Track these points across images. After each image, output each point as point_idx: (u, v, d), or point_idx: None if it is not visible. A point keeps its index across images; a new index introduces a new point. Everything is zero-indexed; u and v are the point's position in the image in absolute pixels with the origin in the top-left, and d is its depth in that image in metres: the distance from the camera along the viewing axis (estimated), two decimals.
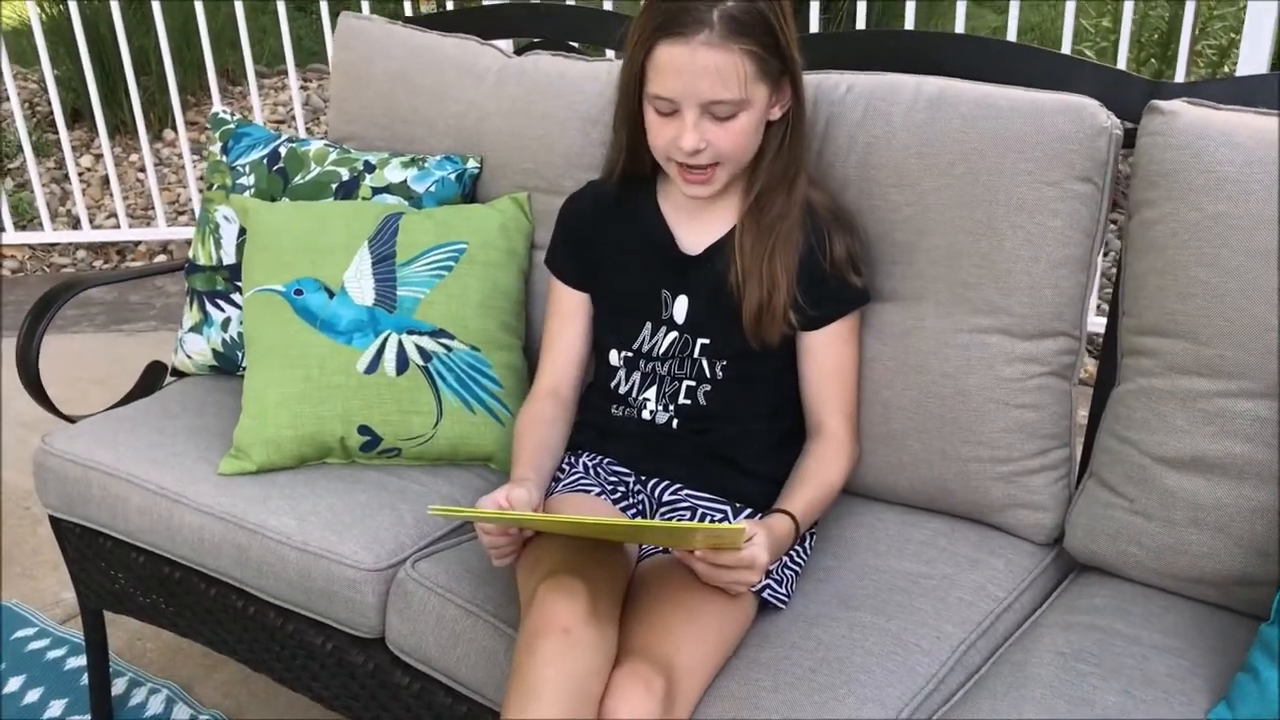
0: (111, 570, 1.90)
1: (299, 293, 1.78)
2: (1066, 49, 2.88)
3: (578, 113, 1.87)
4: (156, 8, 3.73)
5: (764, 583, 1.46)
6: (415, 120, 2.03)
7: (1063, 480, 1.59)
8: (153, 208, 4.29)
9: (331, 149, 1.98)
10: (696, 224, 1.61)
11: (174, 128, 4.69)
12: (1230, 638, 1.37)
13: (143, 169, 4.55)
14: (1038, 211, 1.51)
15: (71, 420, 1.95)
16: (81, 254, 4.23)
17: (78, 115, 4.74)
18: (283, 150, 1.98)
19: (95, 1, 4.39)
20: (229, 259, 1.96)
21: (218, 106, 3.89)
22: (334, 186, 1.93)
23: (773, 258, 1.52)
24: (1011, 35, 2.93)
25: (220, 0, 4.39)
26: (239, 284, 1.95)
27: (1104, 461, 1.52)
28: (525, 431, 1.62)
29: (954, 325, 1.58)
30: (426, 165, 1.94)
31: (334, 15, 3.80)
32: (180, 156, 4.62)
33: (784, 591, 1.49)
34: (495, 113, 1.95)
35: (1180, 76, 2.83)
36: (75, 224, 4.24)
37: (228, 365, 1.99)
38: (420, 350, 1.77)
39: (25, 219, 4.25)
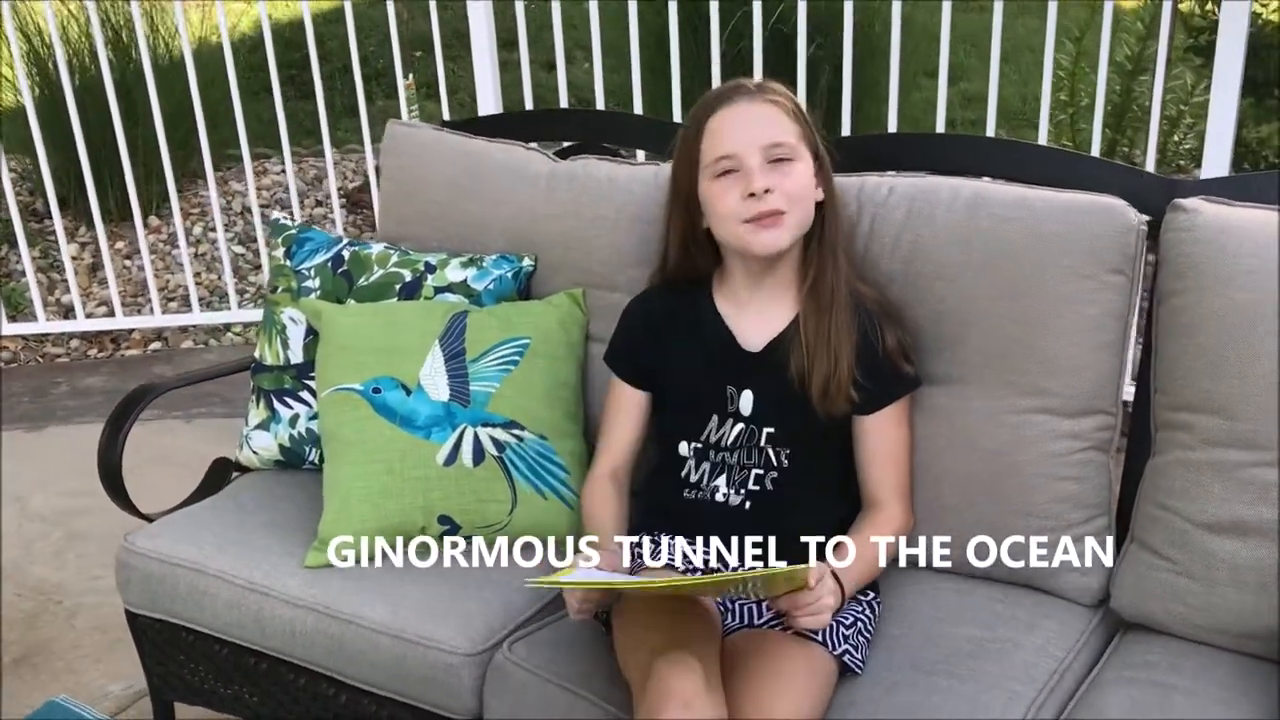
0: (191, 663, 1.96)
1: (377, 391, 1.88)
2: (1043, 124, 3.09)
3: (628, 214, 2.00)
4: (152, 92, 3.80)
5: (843, 647, 1.58)
6: (468, 222, 2.14)
7: (1104, 545, 1.73)
8: (143, 294, 4.35)
9: (393, 251, 2.09)
10: (754, 321, 1.74)
11: (158, 214, 4.75)
12: (1274, 688, 1.51)
13: (128, 256, 4.60)
14: (1076, 302, 1.67)
15: (150, 519, 2.02)
16: (75, 343, 4.26)
17: (62, 204, 4.76)
18: (346, 254, 2.08)
19: (86, 94, 4.45)
20: (296, 358, 2.06)
21: (212, 190, 3.98)
22: (397, 287, 2.04)
23: (837, 332, 1.66)
24: (990, 115, 3.13)
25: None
26: (306, 381, 2.04)
27: (1146, 527, 1.66)
28: (599, 505, 1.78)
29: (1002, 407, 1.72)
30: (484, 264, 2.05)
31: (329, 100, 3.93)
32: (165, 243, 4.68)
33: (860, 657, 1.60)
34: (547, 215, 2.07)
35: (1151, 150, 3.03)
36: (66, 313, 4.26)
37: (294, 460, 2.08)
38: (494, 441, 1.88)
39: (17, 309, 4.27)
